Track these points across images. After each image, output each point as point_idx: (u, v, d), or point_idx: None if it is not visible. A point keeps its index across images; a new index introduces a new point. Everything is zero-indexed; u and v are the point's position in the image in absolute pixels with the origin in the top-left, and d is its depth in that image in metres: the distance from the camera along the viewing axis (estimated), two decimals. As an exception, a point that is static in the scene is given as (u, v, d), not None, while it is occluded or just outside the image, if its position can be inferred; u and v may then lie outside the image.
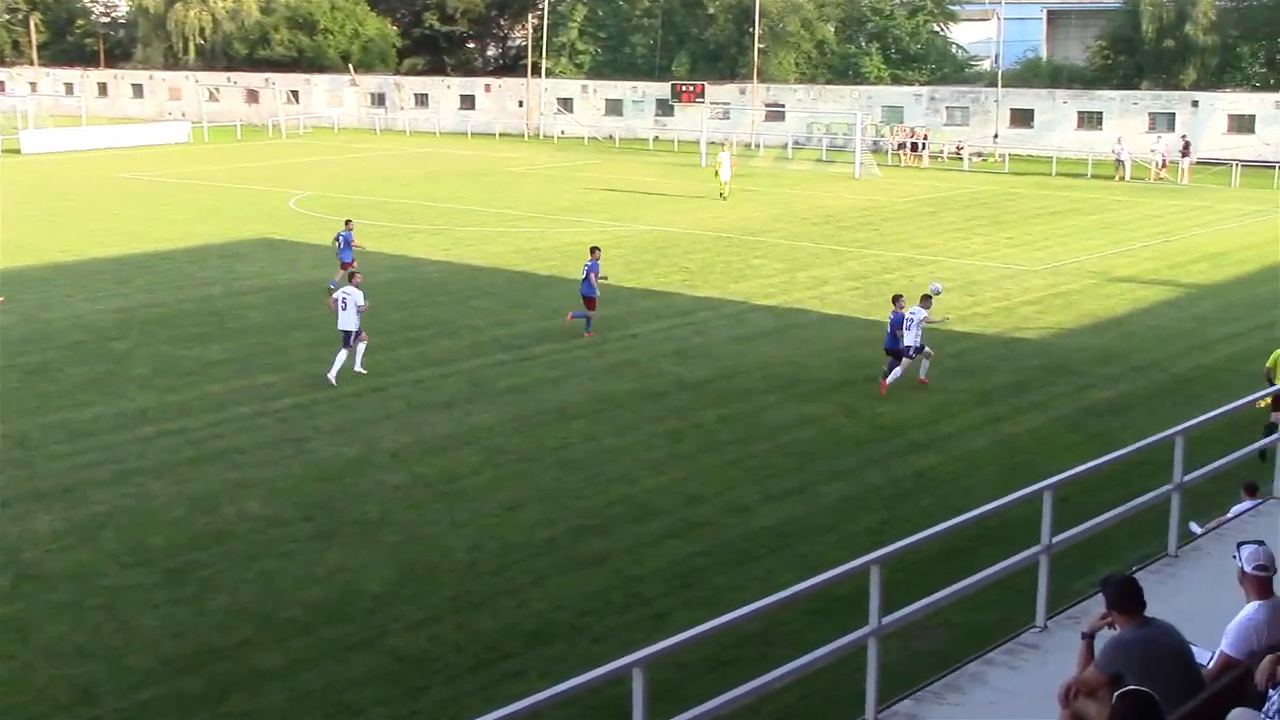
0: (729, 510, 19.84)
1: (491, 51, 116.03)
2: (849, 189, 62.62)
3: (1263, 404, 21.41)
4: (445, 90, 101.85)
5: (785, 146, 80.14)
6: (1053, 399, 26.13)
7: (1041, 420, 24.73)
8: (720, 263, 41.09)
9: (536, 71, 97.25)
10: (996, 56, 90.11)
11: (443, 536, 18.71)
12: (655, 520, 19.39)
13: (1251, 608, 8.97)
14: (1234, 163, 67.21)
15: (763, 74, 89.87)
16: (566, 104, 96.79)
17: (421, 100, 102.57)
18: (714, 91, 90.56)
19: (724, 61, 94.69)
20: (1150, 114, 78.22)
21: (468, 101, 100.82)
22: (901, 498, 20.51)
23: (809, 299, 35.57)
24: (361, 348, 27.29)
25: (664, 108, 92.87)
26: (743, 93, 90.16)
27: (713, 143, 77.77)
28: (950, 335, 31.34)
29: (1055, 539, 10.98)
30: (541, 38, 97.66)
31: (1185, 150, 68.57)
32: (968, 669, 10.33)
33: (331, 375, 26.64)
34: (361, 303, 26.92)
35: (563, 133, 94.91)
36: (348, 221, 37.44)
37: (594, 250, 31.89)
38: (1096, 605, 9.97)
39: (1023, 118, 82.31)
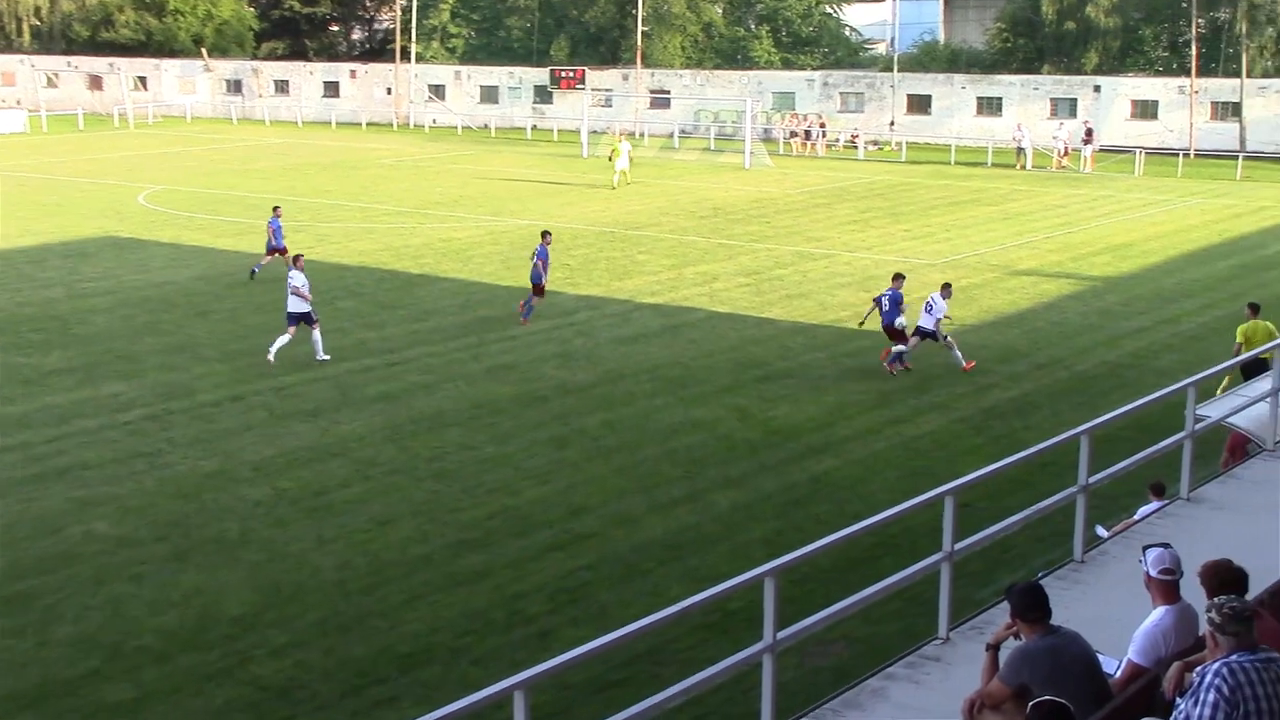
0: (615, 521, 19.86)
1: (357, 35, 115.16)
2: (739, 180, 63.03)
3: (1224, 384, 22.36)
4: (307, 76, 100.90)
5: (671, 135, 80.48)
6: (954, 399, 26.51)
7: (942, 421, 25.08)
8: (603, 259, 41.14)
9: (406, 56, 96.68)
10: (892, 40, 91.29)
11: (309, 555, 18.51)
12: (537, 533, 19.36)
13: (1158, 614, 9.16)
14: (1137, 150, 68.69)
15: (647, 58, 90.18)
16: (438, 91, 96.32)
17: (282, 87, 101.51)
18: (595, 77, 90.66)
19: (605, 45, 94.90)
20: (1052, 99, 79.69)
21: (332, 89, 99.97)
22: (796, 505, 20.67)
23: (697, 296, 35.74)
24: (284, 340, 28.48)
25: (542, 95, 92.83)
26: (626, 79, 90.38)
27: (594, 132, 77.88)
28: (845, 334, 31.67)
29: (957, 546, 11.12)
30: (410, 20, 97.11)
31: (1088, 137, 69.99)
32: (868, 684, 10.43)
33: (319, 355, 28.65)
34: (298, 284, 28.42)
35: (434, 122, 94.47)
36: (276, 208, 38.18)
37: (545, 235, 33.26)
38: (1001, 614, 10.13)
39: (920, 104, 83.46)
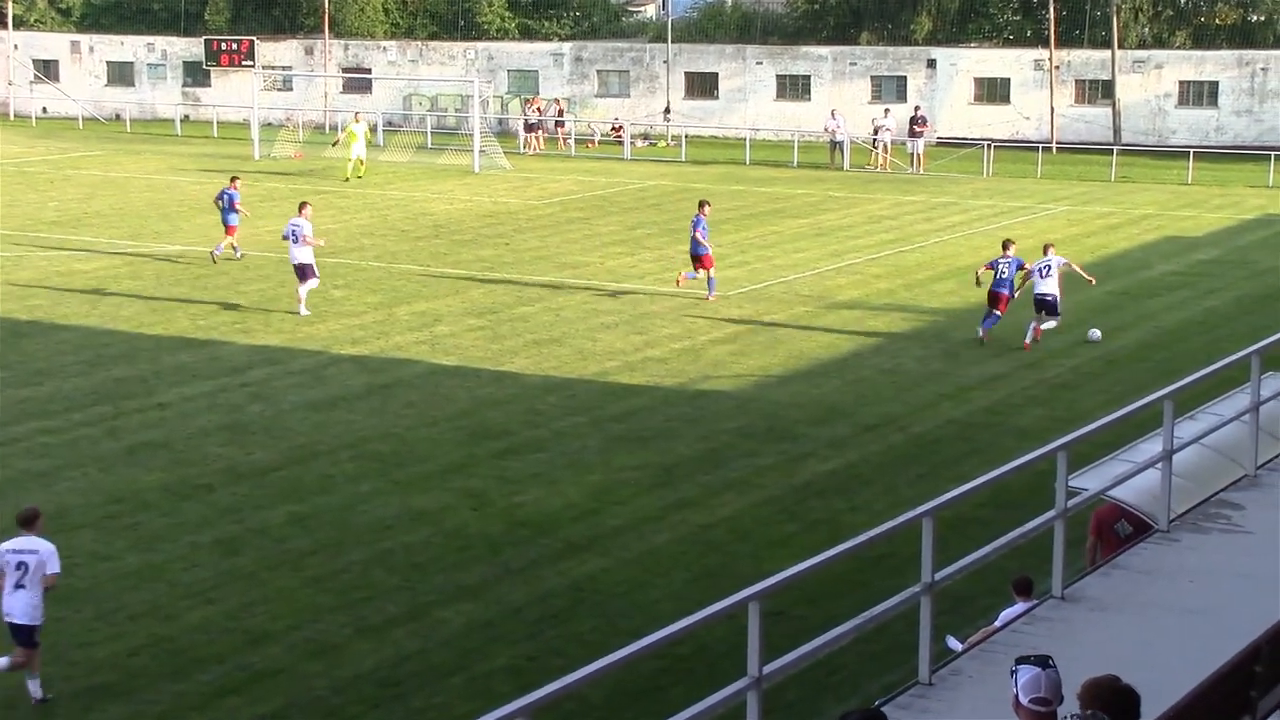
0: (310, 651, 19.68)
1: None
2: (467, 188, 63.14)
3: None
4: None
5: (374, 129, 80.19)
6: (757, 474, 26.89)
7: (743, 504, 25.41)
8: (286, 295, 40.78)
9: (0, 20, 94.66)
10: (664, 1, 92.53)
11: (-119, 714, 17.94)
12: (203, 671, 19.08)
13: (1029, 753, 9.33)
14: (985, 143, 70.60)
15: (337, 25, 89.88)
16: (48, 69, 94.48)
17: None
18: (268, 51, 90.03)
19: (281, 8, 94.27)
20: (874, 78, 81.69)
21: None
22: (553, 621, 20.73)
23: (415, 344, 35.67)
24: (310, 285, 38.58)
25: (196, 74, 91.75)
26: (310, 53, 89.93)
27: (268, 125, 77.19)
28: (613, 390, 31.94)
29: (767, 669, 11.26)
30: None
31: (915, 126, 71.47)
32: None
33: (302, 309, 38.43)
34: (310, 235, 38.61)
35: (45, 111, 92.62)
36: (234, 178, 46.72)
37: (703, 204, 41.51)
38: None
39: (703, 85, 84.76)
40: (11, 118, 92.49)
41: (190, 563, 22.60)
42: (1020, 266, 35.80)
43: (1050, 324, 35.87)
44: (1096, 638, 13.65)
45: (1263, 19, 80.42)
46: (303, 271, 38.42)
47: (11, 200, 57.65)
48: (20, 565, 18.02)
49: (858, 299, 41.10)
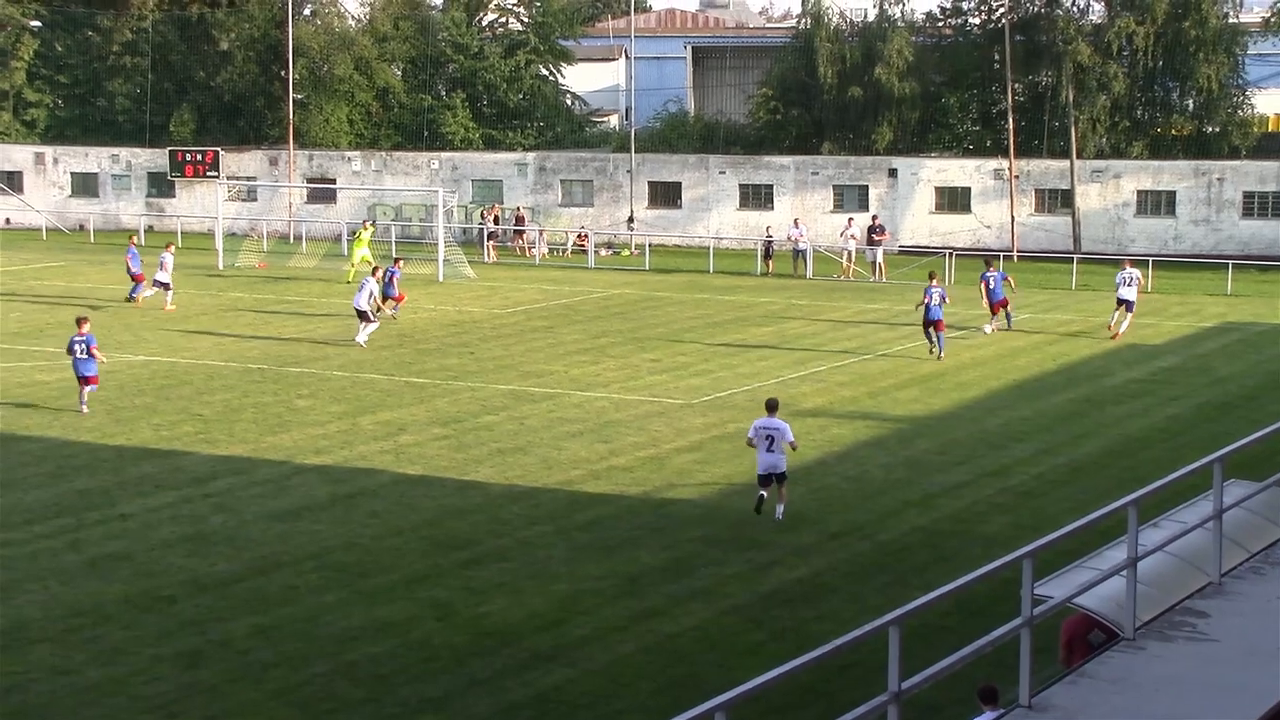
0: (273, 766, 19.53)
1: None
2: (431, 297, 63.19)
3: None
4: None
5: (338, 238, 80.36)
6: (724, 583, 26.81)
7: (710, 613, 25.32)
8: (250, 406, 40.73)
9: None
10: (627, 110, 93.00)
11: None
12: (164, 787, 18.92)
13: None
14: (946, 251, 70.96)
15: (302, 136, 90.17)
16: (12, 181, 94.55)
17: None
18: (232, 161, 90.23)
19: (246, 119, 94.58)
20: (836, 187, 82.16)
21: None
22: (520, 733, 20.62)
23: (379, 454, 35.60)
24: (373, 327, 50.18)
25: (160, 185, 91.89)
26: (275, 163, 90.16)
27: (233, 235, 77.08)
28: (578, 499, 31.88)
29: (735, 779, 11.21)
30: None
31: (874, 235, 71.82)
32: None
33: (362, 339, 49.81)
34: (375, 289, 51.27)
35: (8, 222, 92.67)
36: (397, 259, 58.23)
37: (989, 261, 55.13)
38: None
39: (666, 194, 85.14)
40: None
41: (151, 676, 22.43)
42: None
43: (1128, 317, 52.05)
44: (1065, 747, 13.59)
45: (1217, 130, 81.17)
46: (366, 315, 49.95)
47: (-26, 311, 57.56)
48: (768, 437, 29.93)
49: (822, 406, 41.15)
